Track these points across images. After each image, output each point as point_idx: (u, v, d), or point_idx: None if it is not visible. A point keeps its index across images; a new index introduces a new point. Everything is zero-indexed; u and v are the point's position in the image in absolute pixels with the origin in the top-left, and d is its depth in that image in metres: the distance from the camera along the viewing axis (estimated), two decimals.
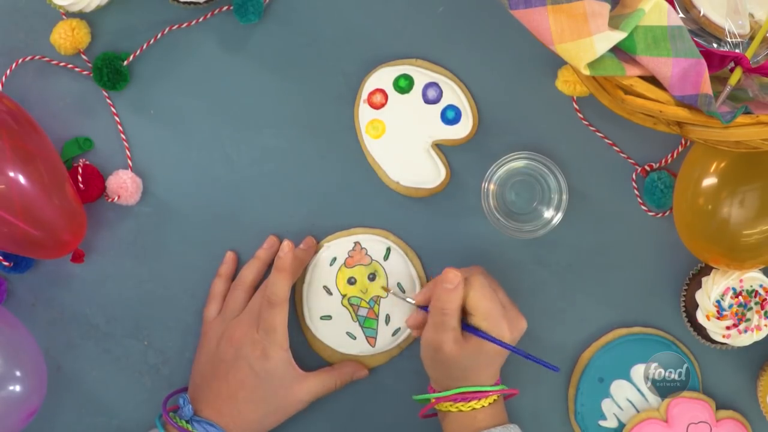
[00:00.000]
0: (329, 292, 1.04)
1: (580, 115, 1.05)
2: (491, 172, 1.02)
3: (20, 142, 0.96)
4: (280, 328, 0.98)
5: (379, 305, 1.04)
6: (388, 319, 1.04)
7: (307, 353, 1.05)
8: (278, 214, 1.06)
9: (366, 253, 1.04)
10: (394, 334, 1.04)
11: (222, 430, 0.97)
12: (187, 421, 0.97)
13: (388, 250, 1.04)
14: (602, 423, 1.05)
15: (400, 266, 1.04)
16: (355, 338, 1.04)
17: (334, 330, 1.04)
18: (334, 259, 1.04)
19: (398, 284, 1.04)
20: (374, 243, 1.04)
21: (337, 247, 1.04)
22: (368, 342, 1.04)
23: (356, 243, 1.04)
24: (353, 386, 1.05)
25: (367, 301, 1.04)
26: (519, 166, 1.02)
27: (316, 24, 1.06)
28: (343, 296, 1.04)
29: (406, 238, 1.06)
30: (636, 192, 1.05)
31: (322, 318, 1.04)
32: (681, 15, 0.90)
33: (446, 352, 0.95)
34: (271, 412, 0.99)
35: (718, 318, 1.00)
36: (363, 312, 1.04)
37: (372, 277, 1.04)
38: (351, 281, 1.04)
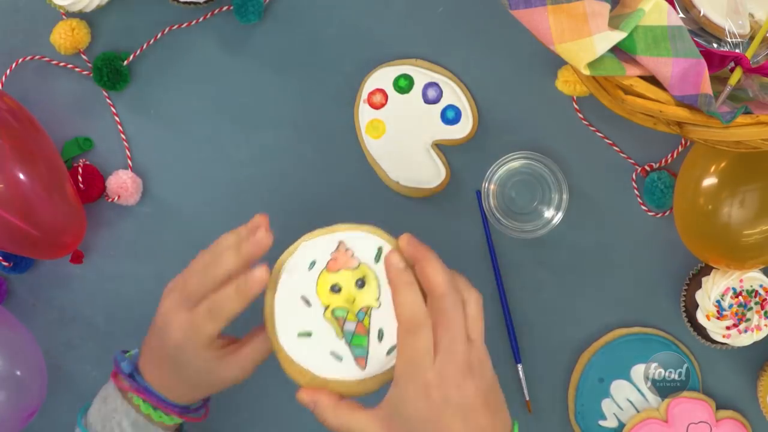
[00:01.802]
0: (308, 303, 0.85)
1: (580, 115, 1.05)
2: (491, 172, 1.02)
3: (20, 142, 0.96)
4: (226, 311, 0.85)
5: (370, 317, 0.85)
6: (381, 335, 0.85)
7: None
8: (278, 214, 1.06)
9: (352, 255, 0.85)
10: (389, 353, 0.85)
11: (155, 394, 0.89)
12: (129, 375, 0.90)
13: (380, 250, 0.85)
14: (602, 423, 1.05)
15: None
16: (341, 359, 0.85)
17: (315, 349, 0.85)
18: (314, 262, 0.86)
19: None
20: (362, 242, 0.86)
21: (317, 247, 0.86)
22: (357, 363, 0.85)
23: (340, 243, 0.86)
24: None
25: (356, 313, 0.85)
26: (519, 166, 1.02)
27: (316, 24, 1.06)
28: (326, 308, 0.85)
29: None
30: (636, 192, 1.05)
31: (299, 335, 0.85)
32: (681, 15, 0.90)
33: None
34: (192, 388, 0.90)
35: (718, 318, 1.00)
36: (350, 327, 0.85)
37: (360, 283, 0.85)
38: (335, 289, 0.85)
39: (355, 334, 0.85)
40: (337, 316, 0.85)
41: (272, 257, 1.07)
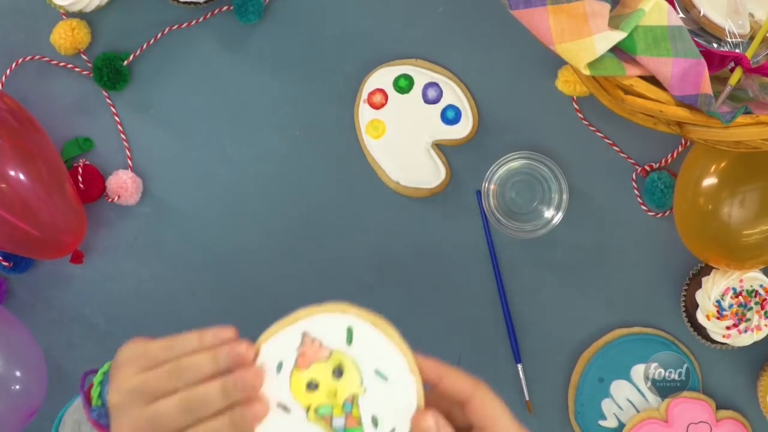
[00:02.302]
0: (286, 410, 0.74)
1: (580, 115, 1.05)
2: (491, 172, 1.02)
3: (20, 142, 0.96)
4: None
5: (358, 406, 0.76)
6: (375, 422, 0.75)
7: None
8: (278, 214, 1.06)
9: (321, 345, 0.75)
10: None
11: None
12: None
13: (350, 330, 0.75)
14: (602, 423, 1.05)
15: (373, 346, 0.76)
16: None
17: None
18: (281, 363, 0.75)
19: (376, 371, 0.76)
20: (328, 326, 0.75)
21: (280, 345, 0.75)
22: None
23: (304, 335, 0.75)
24: None
25: (341, 406, 0.75)
26: (519, 166, 1.02)
27: (316, 24, 1.06)
28: (307, 409, 0.74)
29: (404, 240, 1.06)
30: (636, 192, 1.05)
31: None
32: (681, 15, 0.90)
33: None
34: None
35: (718, 318, 1.00)
36: (339, 422, 0.74)
37: (338, 372, 0.75)
38: (312, 386, 0.74)
39: (347, 429, 0.75)
40: (322, 415, 0.75)
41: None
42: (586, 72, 0.85)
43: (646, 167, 1.04)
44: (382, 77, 1.05)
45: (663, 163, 1.04)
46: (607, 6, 0.85)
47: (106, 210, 1.06)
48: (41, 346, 1.01)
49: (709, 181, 0.96)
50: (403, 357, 0.75)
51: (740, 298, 1.00)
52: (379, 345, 0.76)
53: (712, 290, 1.00)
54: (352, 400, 0.75)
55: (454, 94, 1.05)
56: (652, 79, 0.87)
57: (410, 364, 0.75)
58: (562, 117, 1.05)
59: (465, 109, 1.05)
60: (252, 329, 1.07)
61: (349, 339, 0.75)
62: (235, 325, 1.09)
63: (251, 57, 1.06)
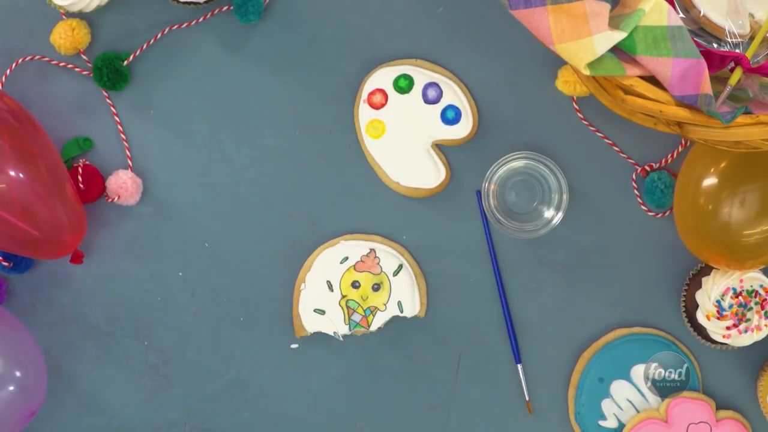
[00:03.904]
0: (330, 288, 1.04)
1: (580, 115, 1.05)
2: (491, 172, 1.02)
3: (20, 142, 0.96)
4: None
5: (374, 317, 1.04)
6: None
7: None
8: (278, 214, 1.06)
9: (378, 263, 1.04)
10: None
11: None
12: None
13: (400, 266, 1.04)
14: (602, 423, 1.05)
15: (407, 286, 1.04)
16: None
17: (324, 325, 1.04)
18: (346, 258, 1.04)
19: (399, 303, 1.04)
20: (389, 255, 1.04)
21: (353, 247, 1.04)
22: None
23: (372, 250, 1.04)
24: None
25: (364, 309, 1.04)
26: (519, 166, 1.02)
27: (316, 24, 1.06)
28: (343, 296, 1.04)
29: (406, 239, 1.06)
30: (636, 192, 1.05)
31: (315, 311, 1.04)
32: (681, 15, 0.90)
33: None
34: None
35: (718, 318, 1.00)
36: (356, 318, 1.04)
37: (376, 287, 1.04)
38: (355, 285, 1.04)
39: (359, 325, 1.04)
40: (349, 306, 1.04)
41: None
42: (586, 72, 0.85)
43: (646, 167, 1.04)
44: (382, 77, 1.05)
45: (663, 163, 1.04)
46: (607, 6, 0.85)
47: (106, 210, 1.06)
48: (41, 346, 1.01)
49: (709, 181, 0.96)
50: (420, 304, 1.04)
51: (740, 298, 1.00)
52: (411, 288, 1.04)
53: (712, 290, 1.00)
54: (373, 311, 1.04)
55: (454, 94, 1.05)
56: (652, 79, 0.87)
57: (421, 311, 1.04)
58: (562, 117, 1.05)
59: (465, 109, 1.05)
60: (252, 329, 1.08)
61: (397, 272, 1.04)
62: (234, 323, 1.10)
63: (251, 57, 1.06)
